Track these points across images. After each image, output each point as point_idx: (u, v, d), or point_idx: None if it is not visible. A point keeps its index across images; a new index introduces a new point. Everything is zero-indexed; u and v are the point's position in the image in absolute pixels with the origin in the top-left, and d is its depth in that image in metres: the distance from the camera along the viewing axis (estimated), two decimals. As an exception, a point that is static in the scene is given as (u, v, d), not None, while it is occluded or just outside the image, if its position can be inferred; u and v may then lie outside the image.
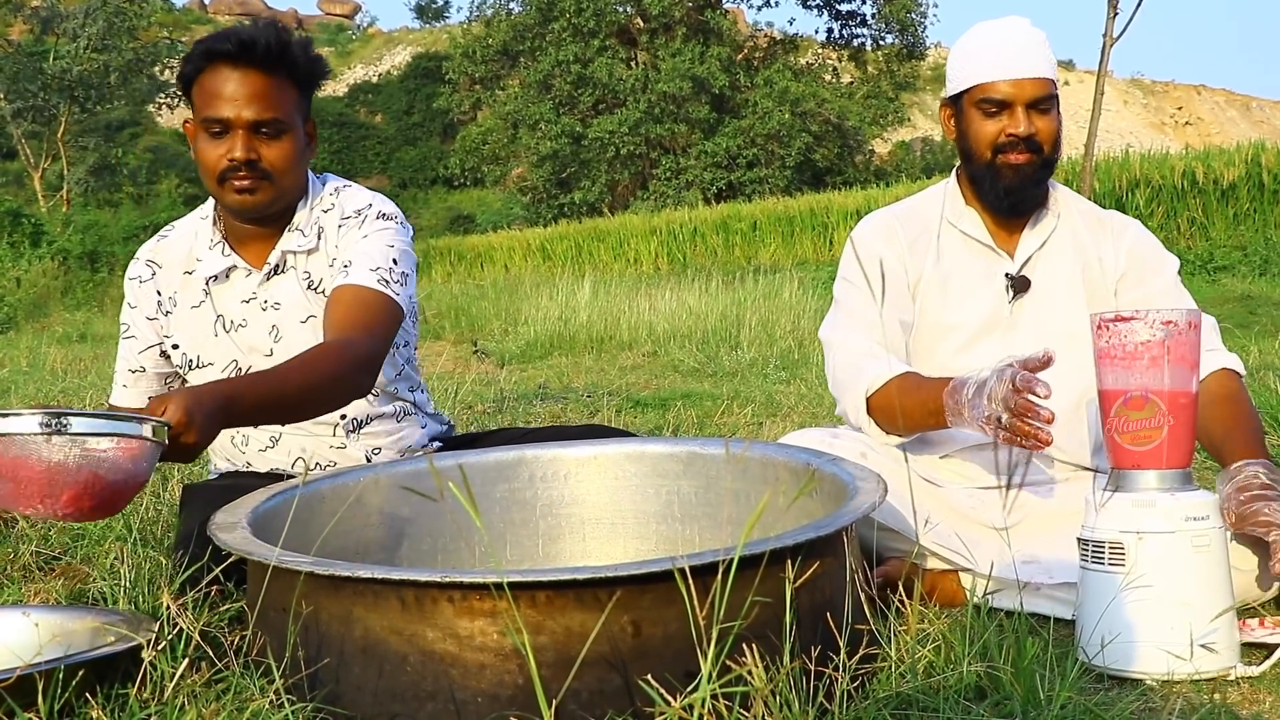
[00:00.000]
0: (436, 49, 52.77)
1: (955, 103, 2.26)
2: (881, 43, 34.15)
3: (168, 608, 1.57)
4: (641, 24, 31.97)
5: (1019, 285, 2.27)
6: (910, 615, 1.66)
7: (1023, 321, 2.27)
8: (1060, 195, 2.33)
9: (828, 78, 34.02)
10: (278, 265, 2.16)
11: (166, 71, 31.30)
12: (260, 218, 2.12)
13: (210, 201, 2.21)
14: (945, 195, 2.34)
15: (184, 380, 2.26)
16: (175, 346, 2.21)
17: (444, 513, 2.11)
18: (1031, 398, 1.76)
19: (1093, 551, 1.74)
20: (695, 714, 1.23)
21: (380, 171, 47.05)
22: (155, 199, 33.28)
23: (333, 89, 62.33)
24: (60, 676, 1.39)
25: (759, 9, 35.27)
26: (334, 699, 1.43)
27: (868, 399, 2.15)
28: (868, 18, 34.08)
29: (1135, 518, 1.70)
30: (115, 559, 2.11)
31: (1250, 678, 1.68)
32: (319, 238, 2.17)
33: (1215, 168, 15.85)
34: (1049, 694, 1.45)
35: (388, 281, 2.06)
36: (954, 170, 2.36)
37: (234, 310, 2.18)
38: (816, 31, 34.04)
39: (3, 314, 13.20)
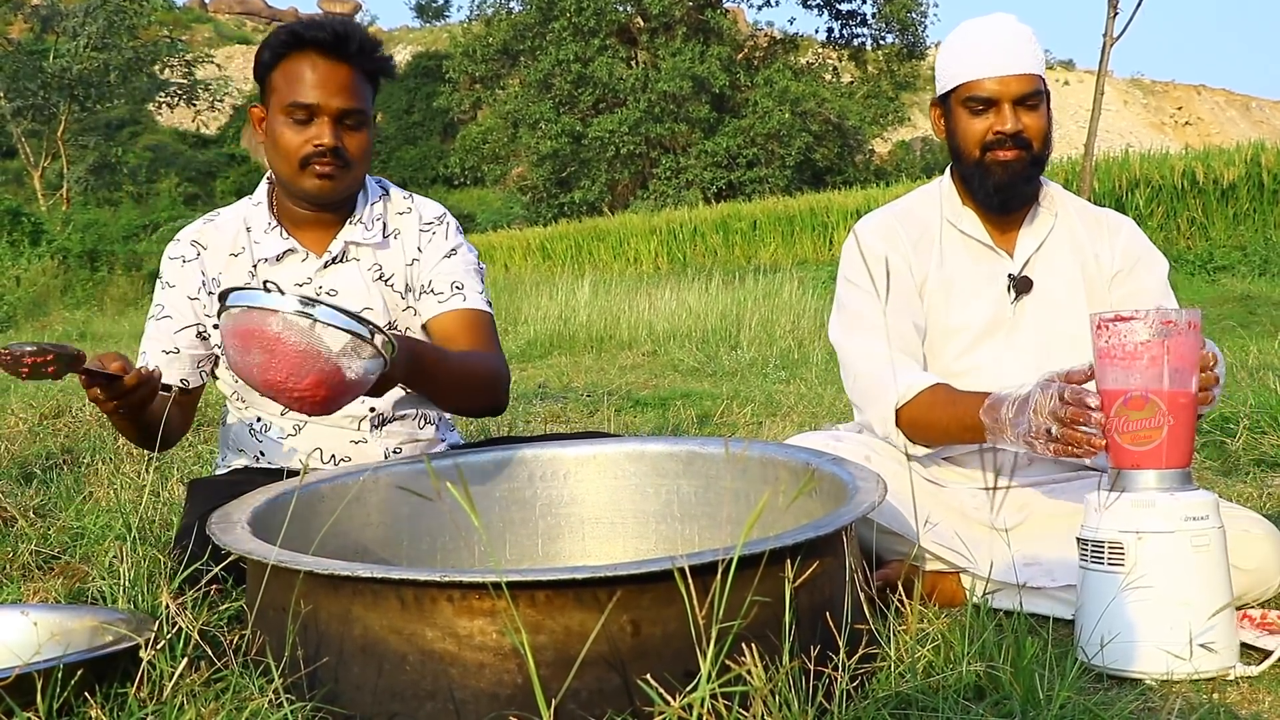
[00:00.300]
0: (437, 48, 52.71)
1: (944, 102, 2.25)
2: (881, 42, 34.14)
3: (167, 607, 1.57)
4: (642, 23, 31.96)
5: (1021, 286, 2.26)
6: (910, 615, 1.66)
7: (1025, 322, 2.26)
8: (1054, 193, 2.33)
9: (828, 77, 33.99)
10: (340, 254, 2.21)
11: (166, 70, 31.33)
12: (327, 205, 2.18)
13: (263, 188, 2.25)
14: (942, 195, 2.33)
15: (217, 361, 2.25)
16: (216, 326, 2.20)
17: (443, 512, 2.10)
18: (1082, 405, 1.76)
19: (1092, 551, 1.74)
20: (694, 714, 1.23)
21: (380, 170, 47.02)
22: (155, 198, 33.33)
23: (333, 88, 62.25)
24: (59, 675, 1.39)
25: (759, 8, 35.27)
26: (333, 698, 1.43)
27: (899, 410, 2.14)
28: (868, 17, 34.08)
29: (1135, 517, 1.70)
30: (114, 557, 2.10)
31: (1249, 677, 1.68)
32: (393, 236, 2.25)
33: (1215, 168, 15.84)
34: (1048, 694, 1.45)
35: (490, 302, 2.27)
36: (947, 170, 2.36)
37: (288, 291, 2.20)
38: (816, 31, 34.09)
39: (2, 312, 13.21)
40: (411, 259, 2.25)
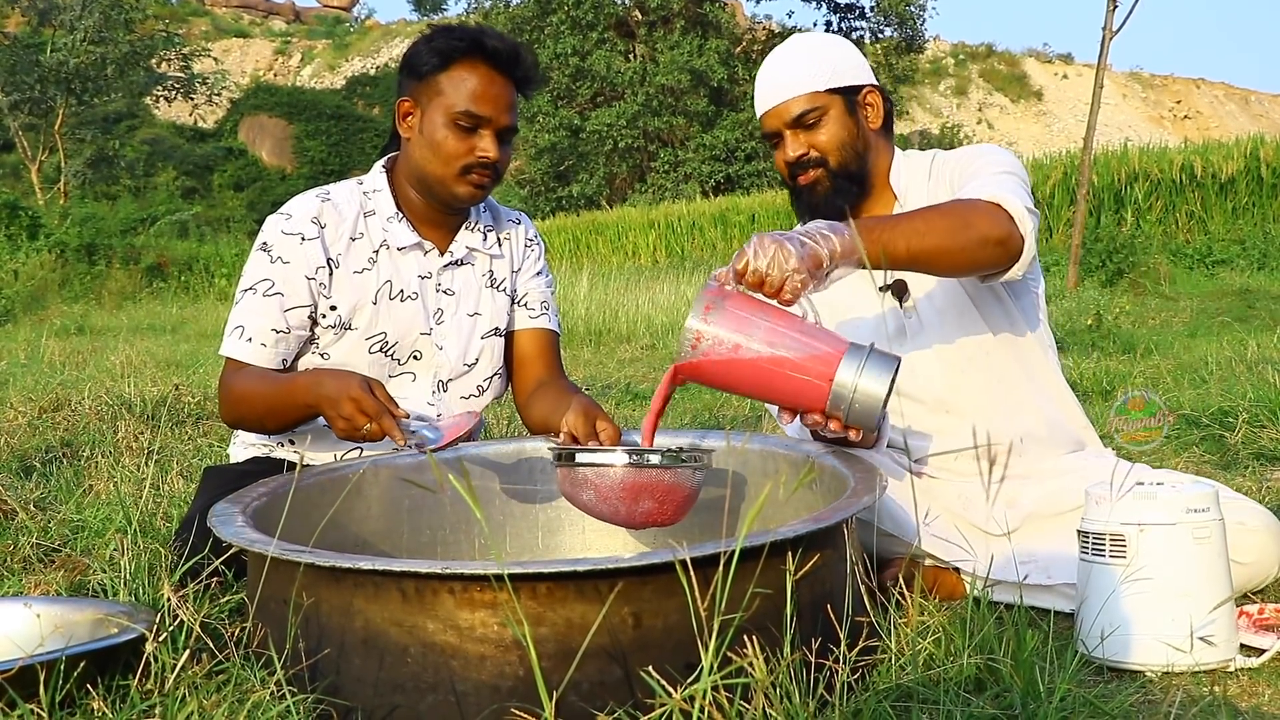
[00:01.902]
0: (434, 41, 52.62)
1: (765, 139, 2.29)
2: (880, 36, 34.10)
3: (168, 599, 1.57)
4: (640, 16, 31.90)
5: (898, 290, 2.25)
6: (910, 608, 1.67)
7: (921, 322, 2.25)
8: (901, 171, 2.26)
9: (826, 71, 33.90)
10: (463, 258, 2.30)
11: (163, 64, 31.26)
12: (459, 210, 2.27)
13: (379, 176, 2.28)
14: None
15: (312, 342, 2.22)
16: (333, 308, 2.20)
17: (444, 505, 2.11)
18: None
19: (1093, 543, 1.74)
20: (696, 705, 1.23)
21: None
22: (153, 191, 33.30)
23: (330, 81, 62.25)
24: (62, 668, 1.39)
25: (758, 2, 35.28)
26: (335, 690, 1.43)
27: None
28: (866, 11, 34.01)
29: (1136, 510, 1.71)
30: (115, 550, 2.11)
31: (1249, 670, 1.68)
32: (506, 247, 2.38)
33: (1214, 161, 15.84)
34: (1049, 686, 1.45)
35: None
36: None
37: (409, 282, 2.25)
38: (815, 24, 33.97)
39: (0, 306, 13.19)
40: (516, 269, 2.39)
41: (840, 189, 2.19)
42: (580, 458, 1.75)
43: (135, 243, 19.03)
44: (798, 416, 1.80)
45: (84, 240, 17.30)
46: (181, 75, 31.99)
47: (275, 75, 67.07)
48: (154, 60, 30.50)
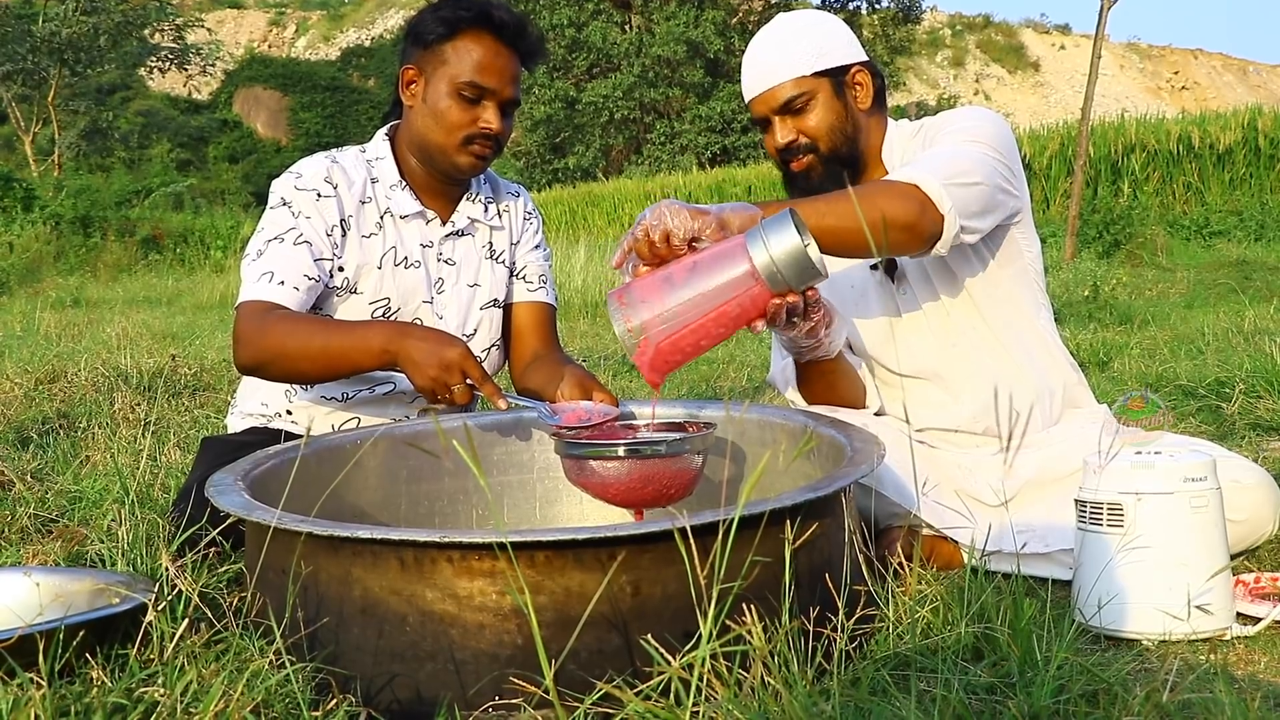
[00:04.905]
0: (429, 12, 52.36)
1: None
2: (877, 6, 33.94)
3: (166, 569, 1.57)
4: (636, -13, 31.75)
5: (889, 268, 2.28)
6: (908, 577, 1.67)
7: (914, 295, 2.27)
8: (894, 145, 2.26)
9: (823, 42, 33.78)
10: (464, 228, 2.31)
11: (157, 35, 31.07)
12: (459, 180, 2.27)
13: (382, 143, 2.28)
14: None
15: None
16: (340, 269, 2.20)
17: (442, 475, 2.11)
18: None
19: (1091, 512, 1.74)
20: (695, 673, 1.23)
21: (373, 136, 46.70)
22: (147, 163, 33.17)
23: (325, 53, 61.93)
24: (61, 637, 1.39)
25: (754, -28, 35.00)
26: (333, 659, 1.43)
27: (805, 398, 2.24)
28: (863, -19, 33.89)
29: (1134, 479, 1.71)
30: (112, 521, 2.11)
31: (1245, 638, 1.69)
32: (506, 219, 2.39)
33: (1211, 132, 15.82)
34: (1046, 654, 1.46)
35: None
36: None
37: (412, 250, 2.25)
38: (812, -5, 33.87)
39: (-5, 279, 13.16)
40: (515, 241, 2.40)
41: (832, 173, 2.18)
42: (586, 450, 1.76)
43: (130, 215, 18.95)
44: (775, 338, 1.80)
45: (79, 212, 17.23)
46: (175, 46, 31.80)
47: (270, 46, 66.74)
48: (147, 31, 30.29)
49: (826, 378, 2.19)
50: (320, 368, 2.03)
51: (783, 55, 2.16)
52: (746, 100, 2.22)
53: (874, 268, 2.27)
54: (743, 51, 2.31)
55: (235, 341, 2.06)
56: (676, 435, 1.78)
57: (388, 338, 1.94)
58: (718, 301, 1.66)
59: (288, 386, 2.25)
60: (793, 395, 2.27)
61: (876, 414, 2.27)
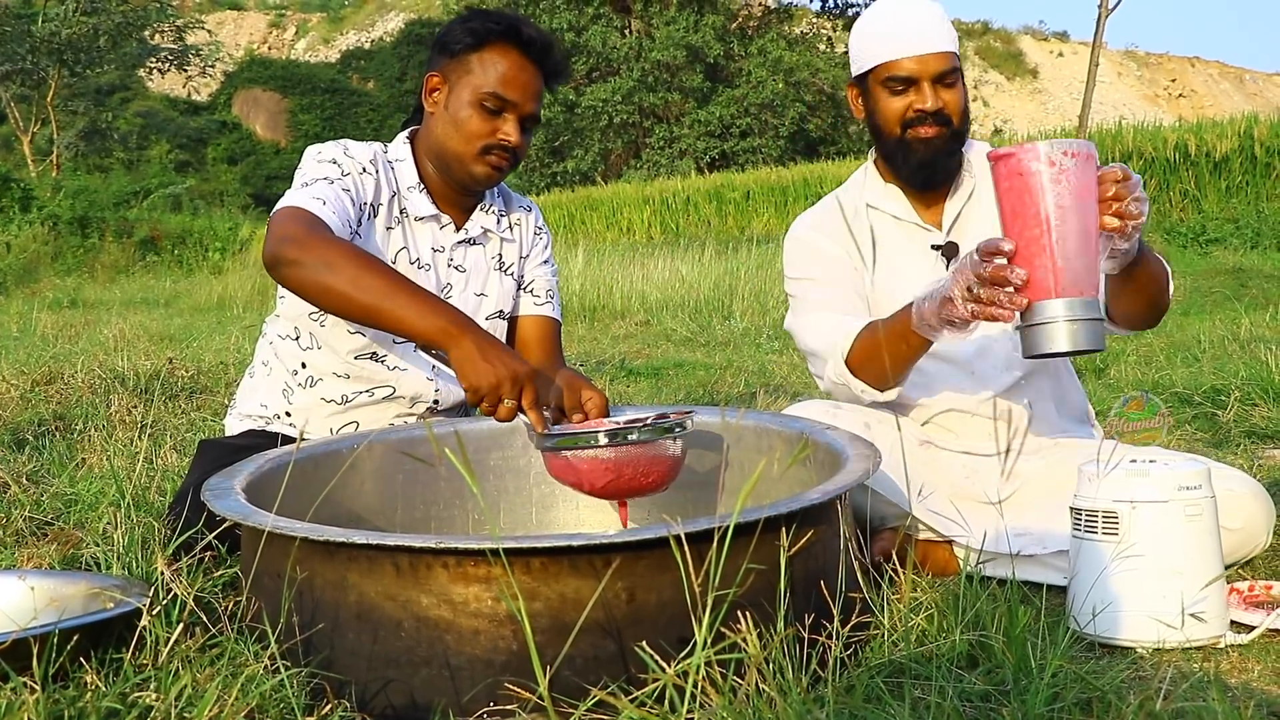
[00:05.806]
0: (430, 15, 52.45)
1: (861, 83, 2.26)
2: (876, 12, 33.95)
3: (161, 573, 1.57)
4: (635, -9, 31.77)
5: (949, 252, 2.28)
6: (903, 584, 1.67)
7: None
8: (974, 155, 2.32)
9: (822, 47, 33.81)
10: (476, 237, 2.32)
11: (157, 35, 31.07)
12: (473, 190, 2.27)
13: (403, 146, 2.27)
14: (865, 180, 2.36)
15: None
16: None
17: (438, 479, 2.11)
18: (1000, 261, 1.69)
19: (1086, 520, 1.74)
20: (689, 680, 1.23)
21: (375, 138, 46.63)
22: (146, 164, 33.14)
23: (325, 55, 61.94)
24: (55, 641, 1.39)
25: (753, -23, 35.02)
26: (328, 664, 1.43)
27: (847, 360, 2.15)
28: (863, -13, 33.91)
29: (1129, 487, 1.71)
30: (108, 524, 2.10)
31: (1239, 646, 1.69)
32: (517, 232, 2.40)
33: (1208, 140, 15.81)
34: (1040, 662, 1.46)
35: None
36: (870, 153, 2.36)
37: (424, 252, 2.26)
38: (811, 1, 33.95)
39: (-7, 279, 13.16)
40: (524, 254, 2.41)
41: (952, 150, 2.23)
42: (559, 440, 1.77)
43: (128, 216, 18.96)
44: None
45: (76, 213, 17.23)
46: (175, 47, 31.81)
47: (269, 48, 66.75)
48: (147, 31, 30.30)
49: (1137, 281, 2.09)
50: (358, 306, 1.86)
51: (944, 27, 2.20)
52: (894, 55, 2.18)
53: (935, 247, 2.29)
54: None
55: (271, 236, 1.92)
56: (651, 422, 1.79)
57: (454, 319, 1.83)
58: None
59: (287, 387, 2.25)
60: (833, 373, 2.20)
61: (889, 402, 2.24)
